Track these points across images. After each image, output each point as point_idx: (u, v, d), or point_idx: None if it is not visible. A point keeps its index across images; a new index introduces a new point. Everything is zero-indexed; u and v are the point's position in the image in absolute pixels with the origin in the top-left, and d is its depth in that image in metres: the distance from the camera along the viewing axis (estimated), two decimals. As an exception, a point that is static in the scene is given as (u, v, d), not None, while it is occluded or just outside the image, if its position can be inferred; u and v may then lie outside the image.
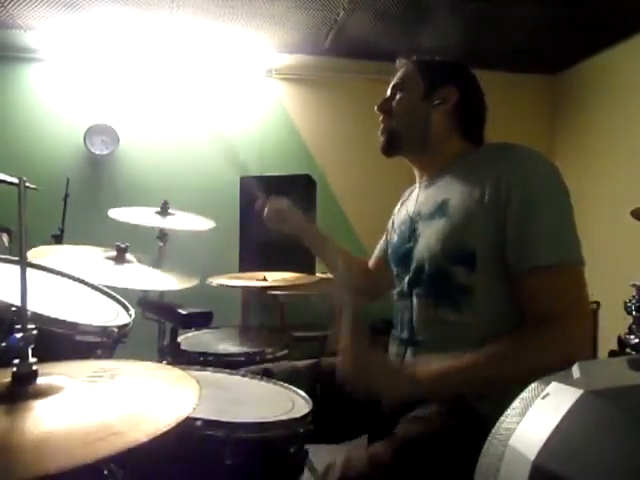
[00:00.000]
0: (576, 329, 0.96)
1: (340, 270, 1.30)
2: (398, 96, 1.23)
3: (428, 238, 1.12)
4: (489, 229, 1.02)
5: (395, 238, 1.28)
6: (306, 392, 1.09)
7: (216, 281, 1.89)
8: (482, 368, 0.96)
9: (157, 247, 2.19)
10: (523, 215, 0.99)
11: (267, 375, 1.22)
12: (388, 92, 1.27)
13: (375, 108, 1.26)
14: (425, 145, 1.21)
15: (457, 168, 1.15)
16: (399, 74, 1.26)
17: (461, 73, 1.25)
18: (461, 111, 1.20)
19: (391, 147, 1.24)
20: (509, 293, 1.03)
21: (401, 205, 1.38)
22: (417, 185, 1.30)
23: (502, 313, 1.04)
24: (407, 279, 1.17)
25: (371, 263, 1.50)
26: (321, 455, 1.30)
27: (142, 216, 2.00)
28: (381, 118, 1.26)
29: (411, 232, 1.19)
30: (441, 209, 1.11)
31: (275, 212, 1.46)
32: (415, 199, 1.26)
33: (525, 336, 0.97)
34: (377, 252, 1.49)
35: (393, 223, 1.37)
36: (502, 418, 0.60)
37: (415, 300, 1.15)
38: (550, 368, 0.90)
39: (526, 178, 1.01)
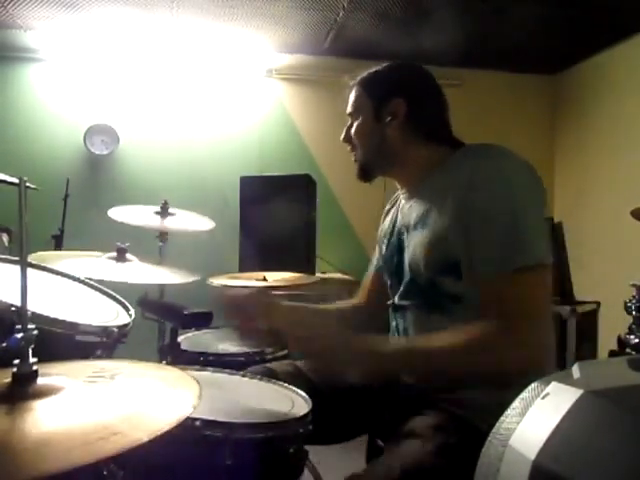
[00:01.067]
0: (526, 333, 0.94)
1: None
2: (354, 124, 1.23)
3: (413, 250, 1.12)
4: (464, 236, 1.01)
5: (384, 250, 1.28)
6: (306, 392, 1.10)
7: (216, 281, 1.90)
8: (432, 357, 0.98)
9: (157, 247, 2.20)
10: (479, 219, 0.99)
11: (268, 375, 1.22)
12: (348, 120, 1.26)
13: (341, 139, 1.26)
14: (393, 162, 1.21)
15: (434, 176, 1.14)
16: (350, 99, 1.25)
17: (406, 78, 1.22)
18: (415, 119, 1.17)
19: (365, 175, 1.24)
20: None
21: (384, 218, 1.36)
22: (400, 196, 1.29)
23: None
24: (399, 290, 1.18)
25: (363, 293, 1.43)
26: (321, 455, 1.30)
27: (142, 216, 2.00)
28: (349, 148, 1.26)
29: (400, 244, 1.19)
30: (422, 220, 1.11)
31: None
32: (400, 210, 1.25)
33: (477, 335, 0.96)
34: (371, 278, 1.42)
35: (382, 237, 1.35)
36: (502, 418, 0.60)
37: (408, 310, 1.16)
38: (502, 371, 0.94)
39: (481, 181, 1.01)
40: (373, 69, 1.23)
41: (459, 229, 1.02)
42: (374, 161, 1.22)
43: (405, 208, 1.22)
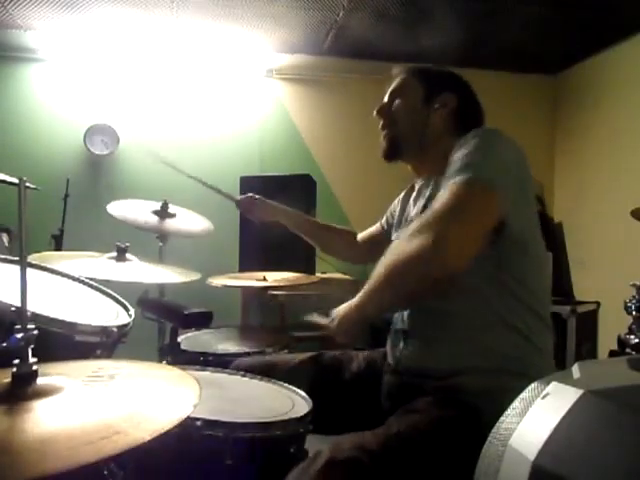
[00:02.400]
0: (445, 232, 0.95)
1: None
2: (397, 101, 1.26)
3: None
4: None
5: (393, 237, 1.31)
6: (307, 386, 1.10)
7: (216, 281, 1.89)
8: (386, 270, 1.02)
9: (157, 247, 2.20)
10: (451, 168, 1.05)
11: (267, 375, 1.22)
12: (385, 98, 1.30)
13: (374, 113, 1.29)
14: (425, 147, 1.24)
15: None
16: (397, 81, 1.29)
17: (457, 81, 1.29)
18: (458, 115, 1.23)
19: (392, 153, 1.28)
20: (489, 280, 1.04)
21: (399, 203, 1.40)
22: (416, 186, 1.32)
23: (484, 298, 1.05)
24: None
25: (361, 236, 1.62)
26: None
27: (142, 216, 2.00)
28: (381, 124, 1.29)
29: None
30: (425, 207, 1.15)
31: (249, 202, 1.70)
32: (413, 200, 1.29)
33: (409, 233, 1.02)
34: (373, 230, 1.58)
35: (392, 221, 1.39)
36: (502, 418, 0.60)
37: None
38: (415, 262, 0.97)
39: (460, 147, 1.07)
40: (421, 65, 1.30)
41: None
42: (409, 139, 1.25)
43: (420, 197, 1.25)
